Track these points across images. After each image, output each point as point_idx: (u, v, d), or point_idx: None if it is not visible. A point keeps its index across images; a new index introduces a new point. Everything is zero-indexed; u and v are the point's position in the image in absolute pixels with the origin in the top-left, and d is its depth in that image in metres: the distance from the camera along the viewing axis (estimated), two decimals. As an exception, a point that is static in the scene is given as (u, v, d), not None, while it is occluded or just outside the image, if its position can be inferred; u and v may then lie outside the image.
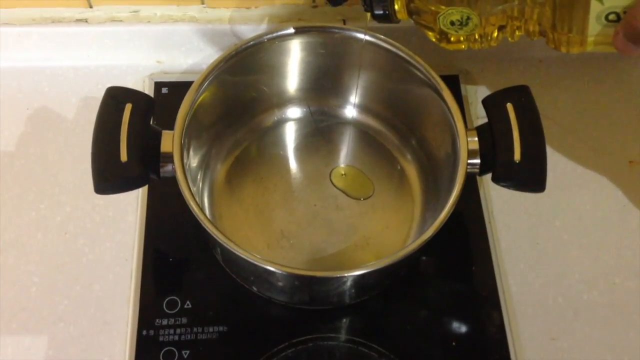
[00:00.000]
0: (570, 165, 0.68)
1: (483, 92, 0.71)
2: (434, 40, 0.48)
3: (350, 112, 0.68)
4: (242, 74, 0.60)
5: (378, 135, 0.67)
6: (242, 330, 0.58)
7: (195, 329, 0.57)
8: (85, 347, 0.57)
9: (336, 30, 0.59)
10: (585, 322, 0.60)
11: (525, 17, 0.44)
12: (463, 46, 0.48)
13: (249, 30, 0.68)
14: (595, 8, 0.40)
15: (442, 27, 0.46)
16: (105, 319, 0.58)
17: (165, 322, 0.57)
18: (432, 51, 0.72)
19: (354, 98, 0.66)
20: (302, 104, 0.67)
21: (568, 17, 0.42)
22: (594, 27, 0.40)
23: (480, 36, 0.46)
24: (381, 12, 0.48)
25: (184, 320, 0.57)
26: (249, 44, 0.58)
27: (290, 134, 0.68)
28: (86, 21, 0.68)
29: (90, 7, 0.68)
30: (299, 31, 0.59)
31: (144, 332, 0.57)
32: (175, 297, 0.58)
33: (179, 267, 0.60)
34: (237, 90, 0.62)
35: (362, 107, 0.67)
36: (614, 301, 0.61)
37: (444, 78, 0.56)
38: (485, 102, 0.54)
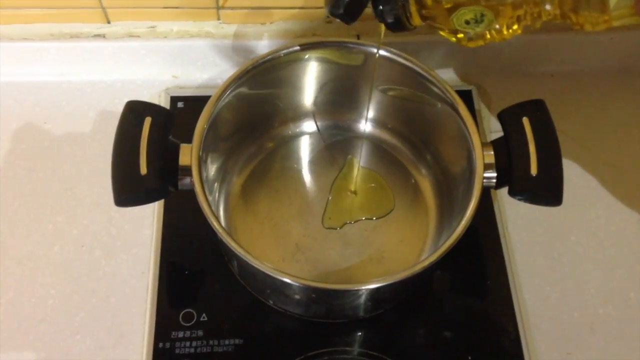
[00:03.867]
0: (584, 179, 0.68)
1: (496, 106, 0.72)
2: (454, 40, 0.47)
3: (364, 126, 0.68)
4: (258, 88, 0.61)
5: (392, 150, 0.67)
6: (258, 343, 0.58)
7: (211, 342, 0.57)
8: (102, 359, 0.57)
9: (350, 45, 0.60)
10: (601, 336, 0.60)
11: (542, 3, 0.43)
12: (482, 42, 0.47)
13: (264, 46, 0.69)
14: None
15: (457, 27, 0.45)
16: (121, 332, 0.58)
17: (181, 334, 0.57)
18: (445, 66, 0.73)
19: (368, 112, 0.67)
20: (316, 118, 0.68)
21: None
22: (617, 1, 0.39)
23: (499, 29, 0.46)
24: (393, 20, 0.48)
25: (200, 333, 0.57)
26: (266, 59, 0.59)
27: (305, 148, 0.68)
28: (104, 36, 0.69)
29: (108, 22, 0.69)
30: (314, 46, 0.60)
31: (160, 345, 0.57)
32: (191, 310, 0.58)
33: (195, 279, 0.61)
34: (253, 104, 0.63)
35: (377, 122, 0.68)
36: (630, 315, 0.61)
37: (457, 93, 0.57)
38: (501, 116, 0.54)
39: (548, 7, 0.43)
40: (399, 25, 0.48)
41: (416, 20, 0.48)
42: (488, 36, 0.46)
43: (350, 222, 0.63)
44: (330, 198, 0.65)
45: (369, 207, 0.64)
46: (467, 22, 0.45)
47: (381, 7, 0.48)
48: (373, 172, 0.67)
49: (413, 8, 0.47)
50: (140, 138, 0.50)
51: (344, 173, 0.66)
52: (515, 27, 0.45)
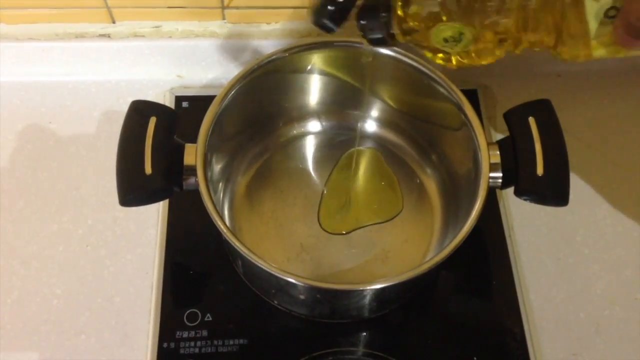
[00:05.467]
0: (590, 180, 0.67)
1: (502, 106, 0.71)
2: (438, 61, 0.47)
3: (370, 126, 0.68)
4: (263, 88, 0.61)
5: (398, 150, 0.67)
6: (262, 343, 0.58)
7: (215, 342, 0.57)
8: (107, 359, 0.57)
9: (356, 45, 0.60)
10: (607, 337, 0.59)
11: (524, 30, 0.43)
12: (464, 63, 0.47)
13: (269, 46, 0.69)
14: (591, 7, 0.38)
15: (436, 44, 0.45)
16: (126, 331, 0.58)
17: (185, 334, 0.57)
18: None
19: (367, 111, 0.67)
20: (321, 118, 0.68)
21: (567, 23, 0.40)
22: (595, 27, 0.39)
23: (478, 51, 0.45)
24: (375, 36, 0.48)
25: (205, 333, 0.57)
26: (270, 59, 0.59)
27: (310, 148, 0.68)
28: (109, 36, 0.69)
29: (113, 22, 0.69)
30: (319, 46, 0.60)
31: (165, 345, 0.57)
32: (195, 310, 0.58)
33: (200, 279, 0.61)
34: (258, 104, 0.63)
35: (382, 122, 0.67)
36: (636, 316, 0.60)
37: (463, 92, 0.57)
38: (507, 116, 0.54)
39: (529, 35, 0.43)
40: (380, 41, 0.48)
41: (399, 37, 0.47)
42: (467, 60, 0.46)
43: (357, 229, 0.63)
44: (325, 192, 0.65)
45: (377, 210, 0.64)
46: (446, 40, 0.44)
47: (363, 21, 0.48)
48: (378, 159, 0.67)
49: (395, 24, 0.47)
50: (145, 138, 0.50)
51: (342, 166, 0.66)
52: (498, 51, 0.45)
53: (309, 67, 0.62)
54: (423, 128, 0.65)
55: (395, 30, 0.47)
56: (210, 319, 0.58)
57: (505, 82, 0.74)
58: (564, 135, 0.52)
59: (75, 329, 0.58)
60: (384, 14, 0.46)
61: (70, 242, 0.62)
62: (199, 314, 0.58)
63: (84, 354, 0.57)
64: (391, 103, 0.66)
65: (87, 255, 0.62)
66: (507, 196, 0.65)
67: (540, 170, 0.50)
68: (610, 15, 0.38)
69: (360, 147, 0.68)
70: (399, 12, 0.46)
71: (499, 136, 0.55)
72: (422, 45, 0.46)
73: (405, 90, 0.63)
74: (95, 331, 0.58)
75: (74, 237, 0.62)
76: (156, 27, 0.69)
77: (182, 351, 0.57)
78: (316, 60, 0.61)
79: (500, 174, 0.53)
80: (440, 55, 0.46)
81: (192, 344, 0.57)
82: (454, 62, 0.47)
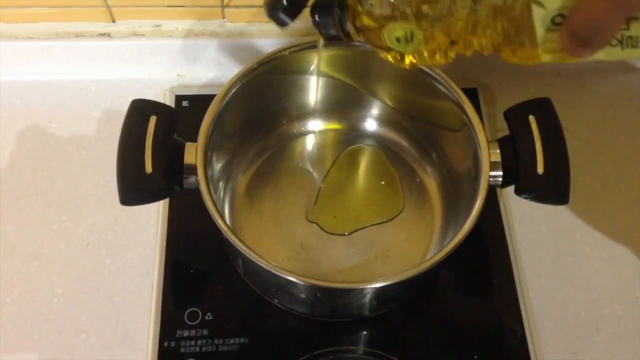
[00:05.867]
0: (590, 179, 0.68)
1: (502, 105, 0.71)
2: (389, 59, 0.48)
3: (370, 124, 0.68)
4: (264, 87, 0.61)
5: (398, 148, 0.67)
6: (262, 342, 0.58)
7: (216, 341, 0.57)
8: (107, 358, 0.57)
9: (356, 44, 0.60)
10: (607, 336, 0.59)
11: (473, 33, 0.43)
12: (415, 63, 0.47)
13: (269, 45, 0.69)
14: (538, 14, 0.38)
15: (388, 43, 0.45)
16: (126, 330, 0.58)
17: (186, 333, 0.57)
18: (450, 64, 0.73)
19: (374, 110, 0.67)
20: (322, 116, 0.68)
21: (514, 28, 0.41)
22: (542, 33, 0.39)
23: (431, 52, 0.46)
24: (328, 32, 0.49)
25: (205, 332, 0.57)
26: (271, 58, 0.59)
27: (310, 147, 0.68)
28: (109, 35, 0.69)
29: (113, 21, 0.69)
30: (319, 45, 0.60)
31: (166, 344, 0.57)
32: (196, 309, 0.58)
33: (200, 278, 0.61)
34: (258, 103, 0.63)
35: (383, 120, 0.67)
36: (636, 315, 0.60)
37: (463, 91, 0.56)
38: (507, 114, 0.54)
39: (478, 39, 0.43)
40: (334, 37, 0.49)
41: (352, 34, 0.48)
42: (419, 60, 0.46)
43: (359, 229, 0.63)
44: (322, 188, 0.64)
45: (378, 210, 0.64)
46: (398, 40, 0.45)
47: (317, 17, 0.49)
48: (380, 156, 0.67)
49: (349, 22, 0.47)
50: (146, 137, 0.50)
51: (341, 163, 0.66)
52: (450, 53, 0.45)
53: (309, 66, 0.62)
54: (423, 127, 0.65)
55: (349, 27, 0.47)
56: (211, 318, 0.58)
57: (505, 81, 0.74)
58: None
59: (75, 328, 0.58)
60: (337, 11, 0.47)
61: (70, 241, 0.62)
62: (200, 313, 0.58)
63: (85, 353, 0.57)
64: (391, 101, 0.66)
65: (88, 255, 0.62)
66: (507, 195, 0.65)
67: (540, 169, 0.50)
68: (557, 23, 0.38)
69: (361, 145, 0.68)
70: (353, 10, 0.46)
71: (499, 135, 0.55)
72: (375, 43, 0.47)
73: (405, 88, 0.63)
74: (95, 330, 0.58)
75: (74, 236, 0.62)
76: (156, 26, 0.69)
77: (182, 350, 0.57)
78: (317, 59, 0.61)
79: (501, 173, 0.53)
80: (393, 54, 0.47)
81: (193, 342, 0.57)
82: (406, 62, 0.47)
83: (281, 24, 0.51)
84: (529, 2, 0.38)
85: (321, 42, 0.54)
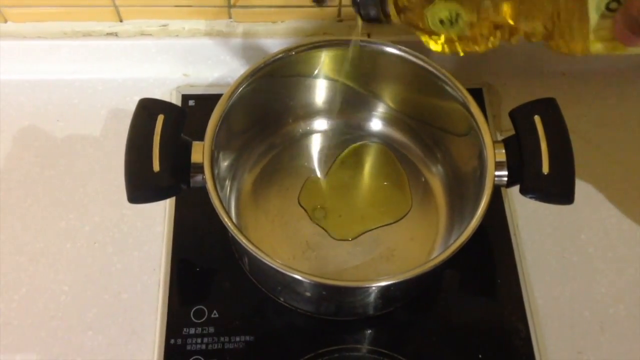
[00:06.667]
0: (595, 179, 0.68)
1: (507, 105, 0.71)
2: (431, 45, 0.45)
3: (375, 124, 0.68)
4: (270, 86, 0.61)
5: (403, 148, 0.67)
6: (268, 340, 0.58)
7: (222, 339, 0.57)
8: (114, 355, 0.57)
9: (361, 44, 0.60)
10: (612, 336, 0.60)
11: (522, 17, 0.41)
12: (456, 49, 0.46)
13: (275, 44, 0.69)
14: (592, 1, 0.37)
15: (431, 26, 0.43)
16: (133, 328, 0.58)
17: (192, 331, 0.58)
18: (456, 64, 0.73)
19: (379, 110, 0.67)
20: (328, 116, 0.68)
21: (565, 12, 0.39)
22: (595, 19, 0.37)
23: (474, 37, 0.44)
24: (369, 12, 0.47)
25: (211, 330, 0.58)
26: (277, 57, 0.59)
27: (316, 146, 0.68)
28: (116, 35, 0.69)
29: (121, 21, 0.69)
30: (325, 45, 0.60)
31: (172, 341, 0.57)
32: (202, 307, 0.59)
33: (206, 276, 0.61)
34: (264, 102, 0.63)
35: (388, 120, 0.68)
36: (641, 315, 0.61)
37: (468, 91, 0.57)
38: (513, 114, 0.54)
39: (526, 24, 0.41)
40: (375, 18, 0.47)
41: (393, 16, 0.46)
42: (460, 45, 0.45)
43: (365, 232, 0.63)
44: (323, 183, 0.65)
45: (386, 211, 0.64)
46: (442, 22, 0.43)
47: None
48: (387, 155, 0.67)
49: (390, 2, 0.45)
50: (153, 135, 0.51)
51: (345, 159, 0.67)
52: (492, 38, 0.44)
53: (315, 66, 0.62)
54: (428, 126, 0.65)
55: (390, 8, 0.46)
56: (217, 315, 0.58)
57: (510, 81, 0.74)
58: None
59: (82, 325, 0.58)
60: None
61: (77, 239, 0.63)
62: (206, 311, 0.59)
63: (91, 350, 0.57)
64: (396, 102, 0.66)
65: (95, 252, 0.62)
66: (512, 195, 0.66)
67: (545, 169, 0.50)
68: (611, 9, 0.37)
69: (367, 142, 0.68)
70: None
71: (504, 135, 0.55)
72: (416, 26, 0.45)
73: (410, 88, 0.63)
74: (102, 327, 0.58)
75: (82, 234, 0.63)
76: (163, 25, 0.69)
77: (189, 347, 0.57)
78: (322, 59, 0.62)
79: (506, 172, 0.53)
80: (434, 37, 0.45)
81: (199, 340, 0.57)
82: (447, 48, 0.45)
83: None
84: None
85: (354, 38, 0.52)
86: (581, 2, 0.38)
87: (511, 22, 0.42)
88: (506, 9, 0.41)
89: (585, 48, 0.40)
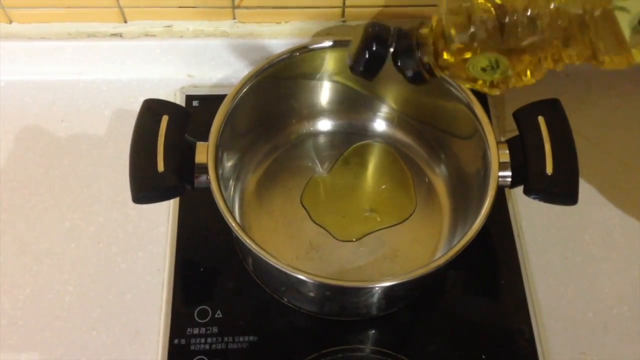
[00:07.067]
0: (598, 180, 0.68)
1: (510, 105, 0.71)
2: (477, 88, 0.47)
3: (379, 125, 0.68)
4: (274, 87, 0.61)
5: (406, 149, 0.68)
6: (272, 341, 0.58)
7: (226, 339, 0.58)
8: (118, 355, 0.57)
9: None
10: (615, 336, 0.60)
11: (561, 48, 0.42)
12: (504, 88, 0.47)
13: (279, 45, 0.69)
14: (623, 18, 0.38)
15: (475, 75, 0.45)
16: (137, 328, 0.58)
17: (196, 331, 0.58)
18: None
19: (383, 110, 0.67)
20: (332, 117, 0.68)
21: (602, 38, 0.40)
22: (632, 37, 0.39)
23: (519, 73, 0.45)
24: (412, 74, 0.49)
25: (215, 330, 0.58)
26: (281, 58, 0.59)
27: (320, 147, 0.68)
28: (120, 36, 0.69)
29: (125, 22, 0.69)
30: (329, 46, 0.60)
31: (176, 341, 0.57)
32: (206, 307, 0.59)
33: (210, 277, 0.61)
34: (268, 103, 0.63)
35: (392, 121, 0.68)
36: (645, 316, 0.61)
37: (472, 92, 0.57)
38: (516, 115, 0.54)
39: (567, 52, 0.42)
40: (419, 78, 0.49)
41: (436, 71, 0.48)
42: (511, 82, 0.46)
43: (369, 234, 0.63)
44: (324, 182, 0.65)
45: (390, 212, 0.64)
46: (484, 70, 0.45)
47: (400, 63, 0.49)
48: (391, 155, 0.67)
49: (431, 60, 0.47)
50: (158, 136, 0.51)
51: (348, 159, 0.67)
52: (537, 72, 0.45)
53: (319, 67, 0.63)
54: (432, 127, 0.65)
55: (433, 65, 0.47)
56: (221, 315, 0.59)
57: (515, 82, 0.74)
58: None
59: (86, 325, 0.59)
60: (418, 54, 0.47)
61: (81, 239, 0.63)
62: (210, 311, 0.59)
63: (96, 350, 0.57)
64: (400, 103, 0.66)
65: (99, 253, 0.62)
66: (516, 195, 0.66)
67: (549, 169, 0.50)
68: None
69: (371, 141, 0.68)
70: (435, 49, 0.46)
71: (508, 136, 0.55)
72: (460, 77, 0.47)
73: (414, 90, 0.62)
74: (106, 327, 0.58)
75: (86, 234, 0.63)
76: (167, 26, 0.70)
77: (192, 347, 0.57)
78: (326, 60, 0.62)
79: (510, 173, 0.53)
80: (480, 82, 0.46)
81: (203, 340, 0.57)
82: (496, 90, 0.47)
83: (365, 78, 0.52)
84: (611, 10, 0.38)
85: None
86: (612, 23, 0.39)
87: (550, 55, 0.43)
88: (541, 45, 0.43)
89: (629, 61, 0.41)
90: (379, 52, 0.49)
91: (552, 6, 0.40)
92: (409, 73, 0.49)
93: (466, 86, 0.47)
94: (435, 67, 0.48)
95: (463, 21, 0.43)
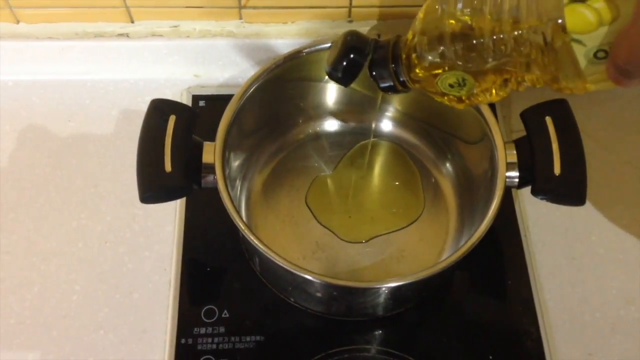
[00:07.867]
0: (605, 180, 0.67)
1: (518, 106, 0.71)
2: (445, 102, 0.50)
3: (386, 125, 0.68)
4: (281, 87, 0.61)
5: (413, 149, 0.68)
6: (278, 341, 0.58)
7: (232, 338, 0.58)
8: (125, 354, 0.57)
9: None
10: (623, 337, 0.59)
11: (522, 72, 0.45)
12: (470, 103, 0.50)
13: (286, 45, 0.69)
14: (579, 50, 0.40)
15: (443, 90, 0.48)
16: (144, 327, 0.59)
17: (203, 330, 0.58)
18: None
19: (390, 111, 0.68)
20: (338, 116, 0.68)
21: (561, 66, 0.42)
22: (587, 67, 0.41)
23: (485, 91, 0.48)
24: (386, 85, 0.51)
25: (222, 330, 0.58)
26: (288, 58, 0.59)
27: (326, 147, 0.68)
28: (127, 36, 0.70)
29: (132, 22, 0.69)
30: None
31: (183, 341, 0.57)
32: (213, 307, 0.59)
33: (217, 276, 0.61)
34: (275, 103, 0.63)
35: (398, 121, 0.68)
36: (652, 317, 0.60)
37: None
38: (524, 115, 0.54)
39: (530, 75, 0.44)
40: (392, 89, 0.52)
41: (409, 84, 0.50)
42: (478, 99, 0.48)
43: (377, 236, 0.63)
44: (329, 182, 0.65)
45: (397, 214, 0.64)
46: (451, 86, 0.47)
47: (374, 73, 0.51)
48: (399, 154, 0.67)
49: (405, 74, 0.49)
50: (165, 136, 0.51)
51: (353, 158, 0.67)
52: (501, 92, 0.47)
53: (326, 67, 0.62)
54: (439, 127, 0.65)
55: (405, 78, 0.50)
56: (227, 315, 0.59)
57: (521, 82, 0.73)
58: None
59: (94, 324, 0.59)
60: (392, 66, 0.50)
61: (89, 238, 0.63)
62: (216, 311, 0.59)
63: (103, 349, 0.58)
64: (407, 102, 0.66)
65: (106, 252, 0.62)
66: (523, 196, 0.66)
67: (557, 170, 0.50)
68: (599, 57, 0.40)
69: (377, 140, 0.68)
70: (408, 63, 0.48)
71: (515, 136, 0.55)
72: (430, 91, 0.49)
73: (420, 90, 0.63)
74: (113, 327, 0.59)
75: (93, 234, 0.63)
76: (174, 26, 0.70)
77: (199, 347, 0.57)
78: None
79: (517, 174, 0.53)
80: (448, 97, 0.49)
81: (210, 340, 0.57)
82: (462, 103, 0.49)
83: (342, 84, 0.54)
84: (569, 42, 0.40)
85: (379, 99, 0.60)
86: (570, 53, 0.40)
87: (513, 77, 0.45)
88: (505, 69, 0.45)
89: (584, 89, 0.43)
90: (356, 61, 0.51)
91: (516, 33, 0.42)
92: (383, 83, 0.51)
93: (436, 99, 0.50)
94: (408, 79, 0.50)
95: (434, 40, 0.45)
